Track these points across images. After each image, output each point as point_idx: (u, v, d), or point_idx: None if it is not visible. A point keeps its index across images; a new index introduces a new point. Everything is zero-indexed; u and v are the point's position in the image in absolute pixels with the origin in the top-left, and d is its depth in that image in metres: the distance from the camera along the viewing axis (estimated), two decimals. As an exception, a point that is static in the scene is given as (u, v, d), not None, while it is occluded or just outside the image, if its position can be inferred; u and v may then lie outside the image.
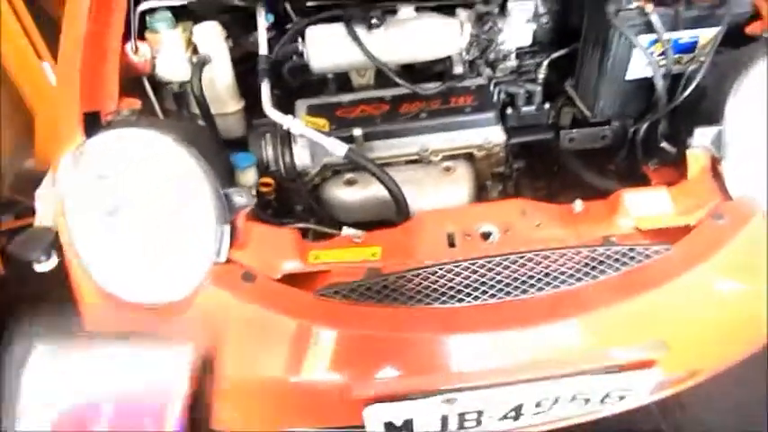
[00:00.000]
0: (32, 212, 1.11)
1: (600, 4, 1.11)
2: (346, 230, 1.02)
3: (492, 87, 1.28)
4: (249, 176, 1.07)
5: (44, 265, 1.03)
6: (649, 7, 1.06)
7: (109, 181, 0.90)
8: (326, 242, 0.99)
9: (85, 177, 0.90)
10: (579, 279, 0.91)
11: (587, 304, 0.90)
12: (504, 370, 0.91)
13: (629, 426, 1.53)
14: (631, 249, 0.91)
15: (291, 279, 0.95)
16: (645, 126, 1.18)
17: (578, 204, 1.01)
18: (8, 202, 2.42)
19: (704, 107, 1.03)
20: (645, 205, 0.96)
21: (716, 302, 0.95)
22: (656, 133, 1.16)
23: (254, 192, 1.10)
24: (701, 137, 0.97)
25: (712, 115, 0.99)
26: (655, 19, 1.06)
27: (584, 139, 1.30)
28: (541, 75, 1.33)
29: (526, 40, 1.30)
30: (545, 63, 1.32)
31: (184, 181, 0.89)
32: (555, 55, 1.32)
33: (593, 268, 0.92)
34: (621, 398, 0.98)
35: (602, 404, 1.00)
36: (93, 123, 0.96)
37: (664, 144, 1.15)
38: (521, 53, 1.35)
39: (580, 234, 0.97)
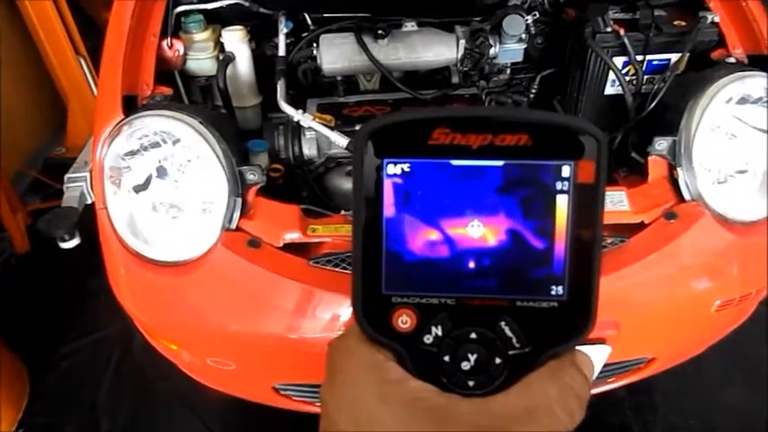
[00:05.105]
0: (58, 196, 1.20)
1: (581, 27, 1.26)
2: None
3: (483, 96, 1.41)
4: (261, 160, 1.21)
5: (68, 244, 1.13)
6: (622, 32, 1.20)
7: (142, 155, 1.05)
8: (324, 218, 1.12)
9: (122, 151, 1.05)
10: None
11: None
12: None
13: (599, 418, 1.63)
14: (590, 239, 1.04)
15: (292, 248, 1.07)
16: (618, 137, 1.31)
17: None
18: (37, 185, 2.58)
19: (666, 121, 1.16)
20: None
21: (664, 292, 1.07)
22: (628, 144, 1.29)
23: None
24: (659, 145, 1.10)
25: (672, 128, 1.12)
26: (626, 42, 1.20)
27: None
28: (533, 90, 1.46)
29: (517, 57, 1.43)
30: (537, 79, 1.46)
31: (205, 157, 1.04)
32: (545, 72, 1.46)
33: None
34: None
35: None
36: (131, 105, 1.12)
37: (633, 154, 1.27)
38: (515, 69, 1.49)
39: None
